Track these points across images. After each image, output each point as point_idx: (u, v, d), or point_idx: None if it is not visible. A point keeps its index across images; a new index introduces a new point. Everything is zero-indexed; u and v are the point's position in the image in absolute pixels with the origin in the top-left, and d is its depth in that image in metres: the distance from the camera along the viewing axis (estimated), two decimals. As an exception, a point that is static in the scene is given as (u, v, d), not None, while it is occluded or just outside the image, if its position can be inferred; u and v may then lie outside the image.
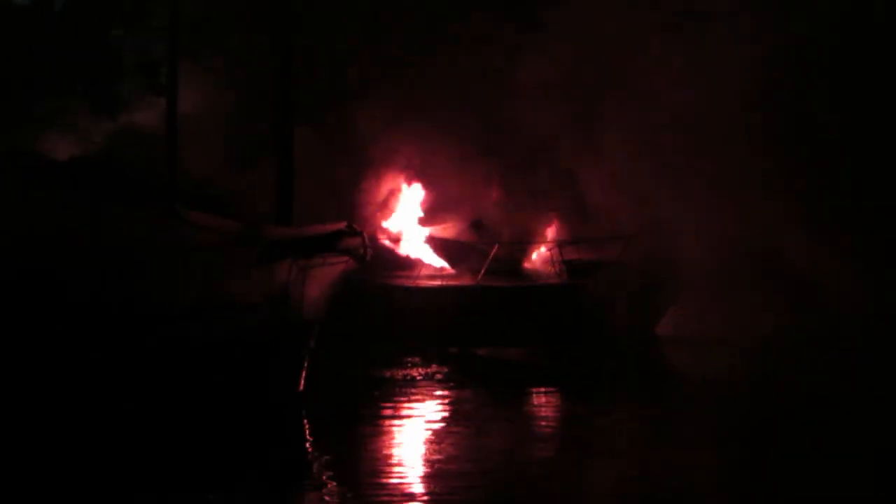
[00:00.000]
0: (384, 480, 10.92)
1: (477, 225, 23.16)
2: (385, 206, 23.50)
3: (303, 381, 14.51)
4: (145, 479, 10.87)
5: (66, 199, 14.48)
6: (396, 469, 11.39)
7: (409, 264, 22.91)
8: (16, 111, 22.93)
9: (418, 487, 10.59)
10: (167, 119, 15.04)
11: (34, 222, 13.62)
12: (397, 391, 15.99)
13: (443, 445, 12.58)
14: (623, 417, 14.76)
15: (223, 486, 10.74)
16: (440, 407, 15.07)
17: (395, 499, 10.20)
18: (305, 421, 14.08)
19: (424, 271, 22.71)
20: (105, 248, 13.53)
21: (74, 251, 13.41)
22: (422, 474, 11.13)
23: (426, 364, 18.39)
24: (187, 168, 16.68)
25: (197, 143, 19.13)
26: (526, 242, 23.16)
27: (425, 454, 12.12)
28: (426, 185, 23.66)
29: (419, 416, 14.44)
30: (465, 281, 22.11)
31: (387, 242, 22.92)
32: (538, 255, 23.35)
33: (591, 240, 22.82)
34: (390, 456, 12.12)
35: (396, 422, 14.08)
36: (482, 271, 21.62)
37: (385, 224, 23.30)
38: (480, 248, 22.52)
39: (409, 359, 18.73)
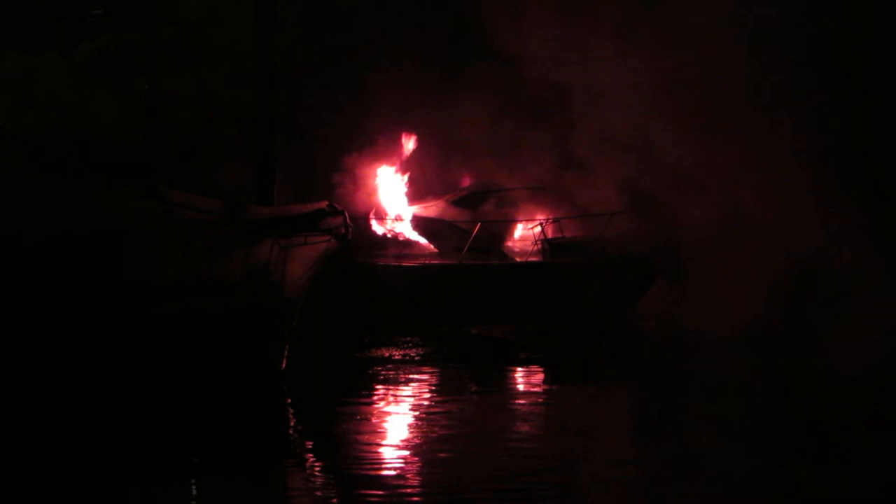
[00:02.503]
0: (367, 460, 10.93)
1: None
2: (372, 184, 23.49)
3: (285, 361, 14.51)
4: (125, 462, 10.85)
5: (46, 179, 14.41)
6: (380, 449, 11.40)
7: (389, 243, 22.88)
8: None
9: (404, 467, 10.60)
10: (148, 99, 14.97)
11: (16, 203, 13.54)
12: (383, 370, 16.00)
13: (430, 425, 12.58)
14: (605, 395, 14.85)
15: (205, 469, 10.74)
16: (427, 386, 15.07)
17: (378, 479, 10.22)
18: (288, 400, 14.08)
19: (405, 250, 22.71)
20: (86, 227, 13.45)
21: (55, 231, 13.33)
22: (406, 454, 11.14)
23: (414, 343, 18.39)
24: (168, 147, 16.61)
25: (178, 121, 19.04)
26: (508, 220, 23.14)
27: (410, 434, 12.14)
28: (411, 163, 23.65)
29: (406, 395, 14.45)
30: (448, 259, 22.08)
31: (379, 223, 22.87)
32: (520, 234, 23.35)
33: (573, 217, 22.83)
34: (374, 435, 12.12)
35: (381, 401, 14.08)
36: (464, 249, 21.59)
37: (380, 203, 23.28)
38: (462, 226, 22.48)
39: (396, 338, 18.69)
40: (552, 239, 22.44)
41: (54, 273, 13.16)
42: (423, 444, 11.59)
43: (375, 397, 14.28)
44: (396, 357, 17.10)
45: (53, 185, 14.06)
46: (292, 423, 13.21)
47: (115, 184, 14.51)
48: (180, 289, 13.73)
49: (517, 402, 14.57)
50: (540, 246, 22.33)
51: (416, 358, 17.12)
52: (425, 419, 12.90)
